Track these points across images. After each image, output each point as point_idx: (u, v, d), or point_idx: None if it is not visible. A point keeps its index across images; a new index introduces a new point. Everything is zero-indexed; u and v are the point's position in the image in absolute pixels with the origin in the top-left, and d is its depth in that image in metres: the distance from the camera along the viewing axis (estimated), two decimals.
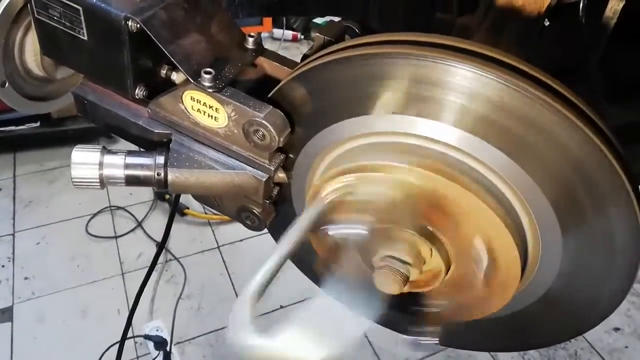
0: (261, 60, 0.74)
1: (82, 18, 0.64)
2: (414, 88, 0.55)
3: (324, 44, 0.74)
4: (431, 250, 0.60)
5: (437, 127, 0.56)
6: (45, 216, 2.80)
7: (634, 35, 0.81)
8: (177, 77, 0.68)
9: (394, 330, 0.78)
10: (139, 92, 0.69)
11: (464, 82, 0.52)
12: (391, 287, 0.60)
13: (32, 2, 0.67)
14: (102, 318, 2.35)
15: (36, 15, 0.68)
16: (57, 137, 3.04)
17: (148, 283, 1.31)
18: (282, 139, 0.63)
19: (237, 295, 2.48)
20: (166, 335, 2.25)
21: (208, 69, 0.63)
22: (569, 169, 0.52)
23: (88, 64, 0.70)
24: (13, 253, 2.62)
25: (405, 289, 0.62)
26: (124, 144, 0.73)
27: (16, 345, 2.26)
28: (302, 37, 4.33)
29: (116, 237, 2.72)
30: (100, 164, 0.67)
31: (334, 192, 0.60)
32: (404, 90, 0.55)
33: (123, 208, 2.85)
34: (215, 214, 2.77)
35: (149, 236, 2.73)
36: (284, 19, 4.04)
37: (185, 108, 0.68)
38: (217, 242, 2.73)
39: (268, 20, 3.39)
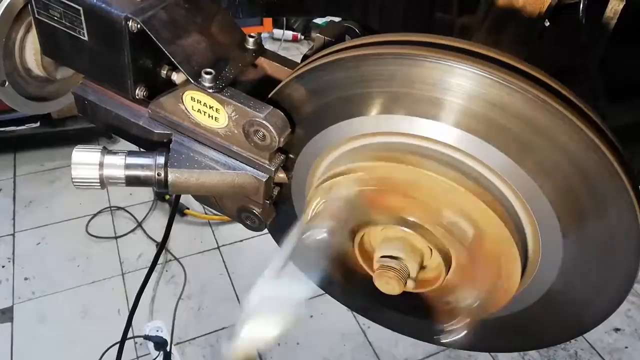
0: (261, 61, 0.74)
1: (83, 18, 0.65)
2: (414, 88, 0.55)
3: (325, 45, 0.74)
4: (430, 250, 0.60)
5: (437, 127, 0.56)
6: (46, 216, 2.80)
7: (634, 35, 0.81)
8: (177, 77, 0.68)
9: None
10: (139, 93, 0.69)
11: (464, 82, 0.52)
12: (392, 287, 0.60)
13: (33, 2, 0.67)
14: (102, 318, 2.35)
15: (36, 15, 0.68)
16: (57, 137, 3.04)
17: (148, 283, 1.30)
18: (282, 139, 0.63)
19: (237, 295, 2.49)
20: (166, 335, 2.25)
21: (208, 70, 0.63)
22: (569, 169, 0.52)
23: (88, 64, 0.70)
24: (13, 253, 2.62)
25: (411, 289, 0.62)
26: (125, 144, 0.73)
27: (16, 345, 2.26)
28: (302, 37, 4.33)
29: (116, 238, 2.72)
30: (101, 165, 0.67)
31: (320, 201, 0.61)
32: (405, 90, 0.56)
33: (123, 208, 2.85)
34: (216, 214, 2.77)
35: (149, 236, 2.73)
36: (284, 19, 4.04)
37: (186, 108, 0.68)
38: (217, 243, 2.73)
39: (268, 21, 3.38)
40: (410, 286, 0.61)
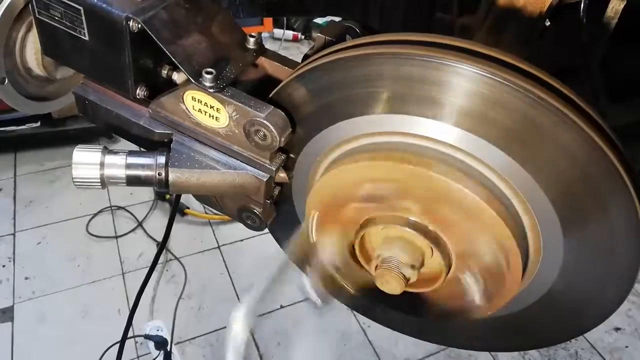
0: (262, 61, 0.74)
1: (83, 18, 0.65)
2: (414, 88, 0.55)
3: (325, 44, 0.74)
4: (431, 249, 0.60)
5: (438, 127, 0.56)
6: (46, 216, 2.80)
7: (635, 35, 0.81)
8: (178, 77, 0.68)
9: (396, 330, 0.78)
10: (140, 92, 0.69)
11: (465, 81, 0.52)
12: (392, 286, 0.60)
13: (33, 2, 0.67)
14: (103, 318, 2.35)
15: (37, 15, 0.68)
16: (57, 137, 3.04)
17: (148, 283, 1.30)
18: (283, 139, 0.63)
19: (237, 295, 2.49)
20: (166, 335, 2.25)
21: (209, 69, 0.63)
22: (570, 168, 0.52)
23: (89, 64, 0.70)
24: (14, 253, 2.62)
25: (409, 289, 0.62)
26: (125, 144, 0.73)
27: (16, 345, 2.26)
28: (303, 37, 4.33)
29: (117, 237, 2.72)
30: (102, 164, 0.67)
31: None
32: (405, 90, 0.56)
33: (123, 208, 2.85)
34: (216, 214, 2.77)
35: (149, 236, 2.73)
36: (285, 19, 4.04)
37: (187, 108, 0.68)
38: (217, 242, 2.74)
39: (269, 21, 3.38)
40: (412, 278, 0.61)
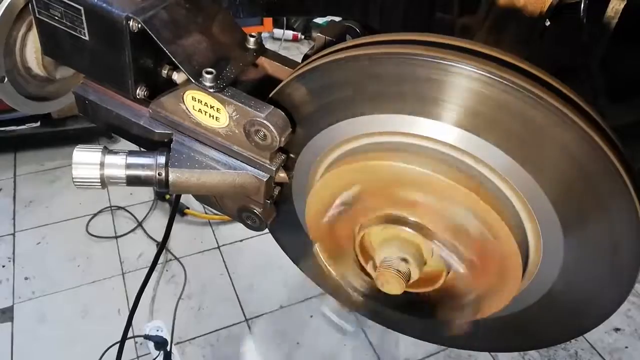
0: (262, 60, 0.74)
1: (84, 18, 0.65)
2: (414, 88, 0.55)
3: (325, 44, 0.74)
4: (432, 249, 0.60)
5: (438, 127, 0.56)
6: (46, 216, 2.80)
7: (635, 35, 0.81)
8: (178, 77, 0.68)
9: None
10: (140, 92, 0.69)
11: (465, 81, 0.52)
12: (393, 286, 0.60)
13: (34, 1, 0.67)
14: (103, 318, 2.35)
15: (37, 15, 0.68)
16: (57, 137, 3.04)
17: (148, 283, 1.30)
18: (283, 139, 0.63)
19: (237, 295, 2.49)
20: (166, 335, 2.25)
21: (209, 69, 0.63)
22: (569, 167, 0.52)
23: (89, 64, 0.70)
24: (13, 253, 2.62)
25: (410, 289, 0.62)
26: (125, 144, 0.73)
27: (16, 345, 2.26)
28: (303, 37, 4.33)
29: (116, 237, 2.72)
30: (102, 164, 0.67)
31: None
32: (405, 90, 0.55)
33: (123, 208, 2.85)
34: (216, 214, 2.77)
35: (149, 236, 2.73)
36: (285, 19, 4.04)
37: (187, 108, 0.68)
38: (217, 242, 2.73)
39: (268, 21, 3.38)
40: (413, 277, 0.61)
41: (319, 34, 0.75)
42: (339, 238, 0.66)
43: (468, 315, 0.66)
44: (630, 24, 0.76)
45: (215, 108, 0.65)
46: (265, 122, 0.62)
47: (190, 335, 2.33)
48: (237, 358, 2.28)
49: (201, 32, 0.67)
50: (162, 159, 0.68)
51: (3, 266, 2.56)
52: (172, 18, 0.65)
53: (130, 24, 0.62)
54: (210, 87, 0.63)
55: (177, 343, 2.29)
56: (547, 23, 0.82)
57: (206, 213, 2.81)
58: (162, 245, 1.26)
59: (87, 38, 0.66)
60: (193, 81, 0.64)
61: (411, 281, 0.61)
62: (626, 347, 2.39)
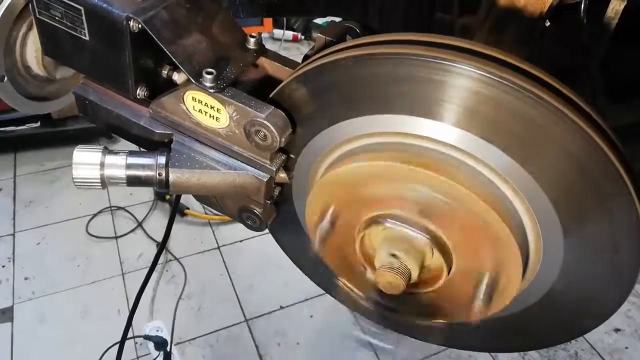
0: (262, 61, 0.74)
1: (84, 18, 0.65)
2: (414, 88, 0.55)
3: (326, 45, 0.74)
4: (432, 249, 0.60)
5: (438, 127, 0.56)
6: (46, 216, 2.80)
7: (635, 35, 0.81)
8: (178, 77, 0.68)
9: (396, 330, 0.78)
10: (141, 93, 0.69)
11: (465, 81, 0.52)
12: (393, 286, 0.60)
13: (34, 2, 0.67)
14: (103, 318, 2.35)
15: (37, 15, 0.68)
16: (57, 137, 3.04)
17: (148, 283, 1.30)
18: (283, 139, 0.63)
19: (237, 295, 2.48)
20: (166, 335, 2.25)
21: (210, 70, 0.63)
22: (570, 168, 0.52)
23: (89, 64, 0.70)
24: (13, 253, 2.62)
25: (409, 288, 0.62)
26: (125, 144, 0.73)
27: (16, 345, 2.26)
28: (303, 37, 4.33)
29: (116, 238, 2.72)
30: (102, 164, 0.67)
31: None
32: (405, 90, 0.55)
33: (123, 208, 2.85)
34: (216, 214, 2.77)
35: (149, 236, 2.73)
36: (285, 19, 4.04)
37: (187, 108, 0.68)
38: (217, 243, 2.73)
39: (268, 21, 3.38)
40: (414, 277, 0.61)
41: (319, 35, 0.75)
42: (345, 256, 0.67)
43: (466, 317, 0.66)
44: (630, 24, 0.77)
45: (215, 108, 0.65)
46: (265, 122, 0.62)
47: (190, 335, 2.33)
48: (237, 358, 2.28)
49: (201, 32, 0.67)
50: (162, 159, 0.68)
51: (3, 266, 2.56)
52: (173, 18, 0.65)
53: (131, 24, 0.62)
54: (211, 88, 0.63)
55: (177, 343, 2.28)
56: (547, 23, 0.82)
57: (206, 213, 2.81)
58: (162, 246, 1.26)
59: (87, 38, 0.66)
60: (193, 81, 0.64)
61: (412, 281, 0.61)
62: (626, 348, 2.39)
